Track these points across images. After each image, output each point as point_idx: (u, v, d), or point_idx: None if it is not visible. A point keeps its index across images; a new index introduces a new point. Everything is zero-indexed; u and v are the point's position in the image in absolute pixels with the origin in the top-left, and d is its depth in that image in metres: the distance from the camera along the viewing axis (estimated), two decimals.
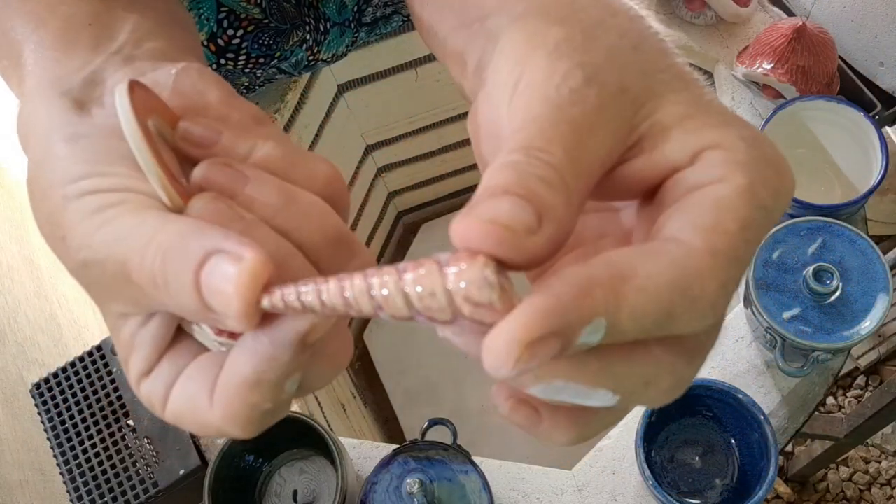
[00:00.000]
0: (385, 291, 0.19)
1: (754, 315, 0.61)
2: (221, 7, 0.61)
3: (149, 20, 0.27)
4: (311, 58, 0.69)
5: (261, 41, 0.64)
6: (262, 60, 0.66)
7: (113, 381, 0.71)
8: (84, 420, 0.70)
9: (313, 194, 0.24)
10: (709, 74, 0.79)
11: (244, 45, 0.64)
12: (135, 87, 0.22)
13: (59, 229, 0.23)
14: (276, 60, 0.67)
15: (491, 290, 0.18)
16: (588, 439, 0.22)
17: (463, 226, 0.19)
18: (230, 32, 0.62)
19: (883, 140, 0.63)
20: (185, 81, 0.25)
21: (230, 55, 0.64)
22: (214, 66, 0.65)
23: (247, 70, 0.68)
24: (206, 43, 0.62)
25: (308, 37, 0.67)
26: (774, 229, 0.61)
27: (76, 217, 0.22)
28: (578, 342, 0.18)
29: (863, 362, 1.28)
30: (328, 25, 0.69)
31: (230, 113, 0.25)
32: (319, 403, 0.82)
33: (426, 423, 0.61)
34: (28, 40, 0.26)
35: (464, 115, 1.09)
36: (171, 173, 0.23)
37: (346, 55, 0.73)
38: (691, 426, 0.63)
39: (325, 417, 0.81)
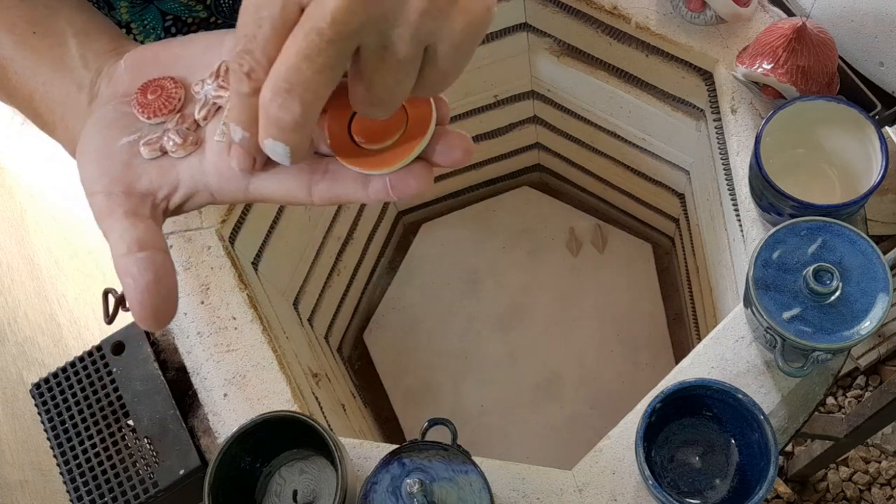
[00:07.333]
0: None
1: (754, 315, 0.61)
2: (167, 16, 0.60)
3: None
4: None
5: None
6: None
7: (113, 381, 0.71)
8: (84, 420, 0.70)
9: None
10: (709, 74, 0.79)
11: None
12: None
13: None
14: None
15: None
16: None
17: None
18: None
19: (883, 140, 0.63)
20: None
21: None
22: None
23: None
24: None
25: None
26: (774, 229, 0.61)
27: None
28: None
29: (863, 362, 1.28)
30: None
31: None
32: (319, 403, 0.82)
33: (426, 423, 0.61)
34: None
35: (463, 115, 1.09)
36: None
37: None
38: (691, 426, 0.63)
39: (325, 417, 0.81)
